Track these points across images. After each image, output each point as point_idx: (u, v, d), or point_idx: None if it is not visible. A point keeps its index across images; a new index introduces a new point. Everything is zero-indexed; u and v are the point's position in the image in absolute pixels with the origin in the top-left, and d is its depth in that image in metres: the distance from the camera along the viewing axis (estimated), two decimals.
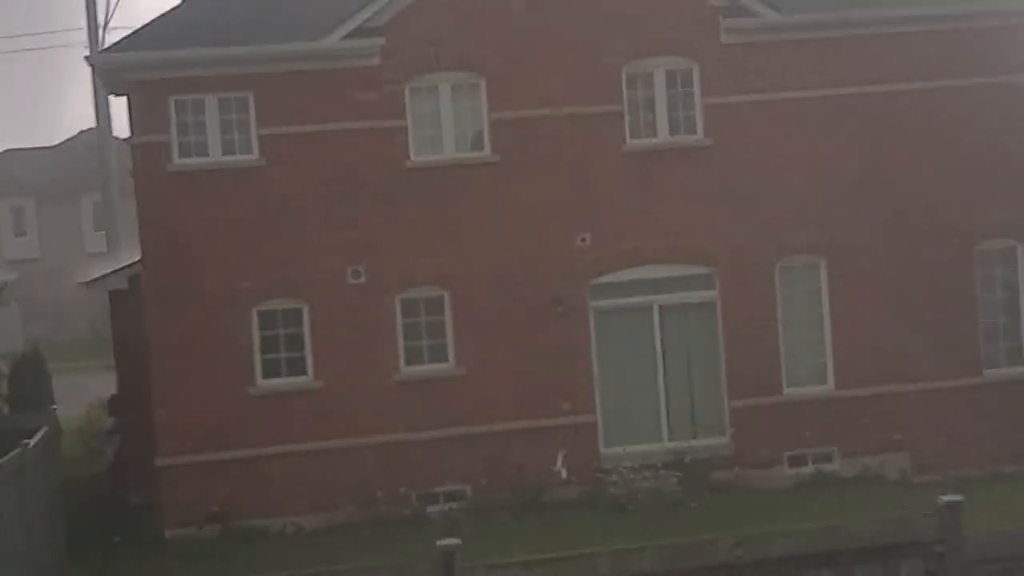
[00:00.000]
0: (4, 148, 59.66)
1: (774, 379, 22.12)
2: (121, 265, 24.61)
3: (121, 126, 29.91)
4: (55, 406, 25.85)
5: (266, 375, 21.27)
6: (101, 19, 35.80)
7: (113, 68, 21.65)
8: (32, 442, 18.02)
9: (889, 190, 22.31)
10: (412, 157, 21.46)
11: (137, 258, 22.22)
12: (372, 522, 20.63)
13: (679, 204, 21.94)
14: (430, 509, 21.04)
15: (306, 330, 21.34)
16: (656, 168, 21.95)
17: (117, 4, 67.07)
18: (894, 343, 22.17)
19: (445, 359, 21.61)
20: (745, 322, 22.04)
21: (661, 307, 22.09)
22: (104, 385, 28.77)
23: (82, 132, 56.62)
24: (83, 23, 35.71)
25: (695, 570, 8.33)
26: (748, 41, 22.01)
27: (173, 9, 22.71)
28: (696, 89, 22.03)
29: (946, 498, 8.61)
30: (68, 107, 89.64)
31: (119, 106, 35.86)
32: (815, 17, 22.12)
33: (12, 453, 16.91)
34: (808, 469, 22.05)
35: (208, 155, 21.16)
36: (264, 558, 19.46)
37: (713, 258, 22.04)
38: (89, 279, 25.19)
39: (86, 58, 24.40)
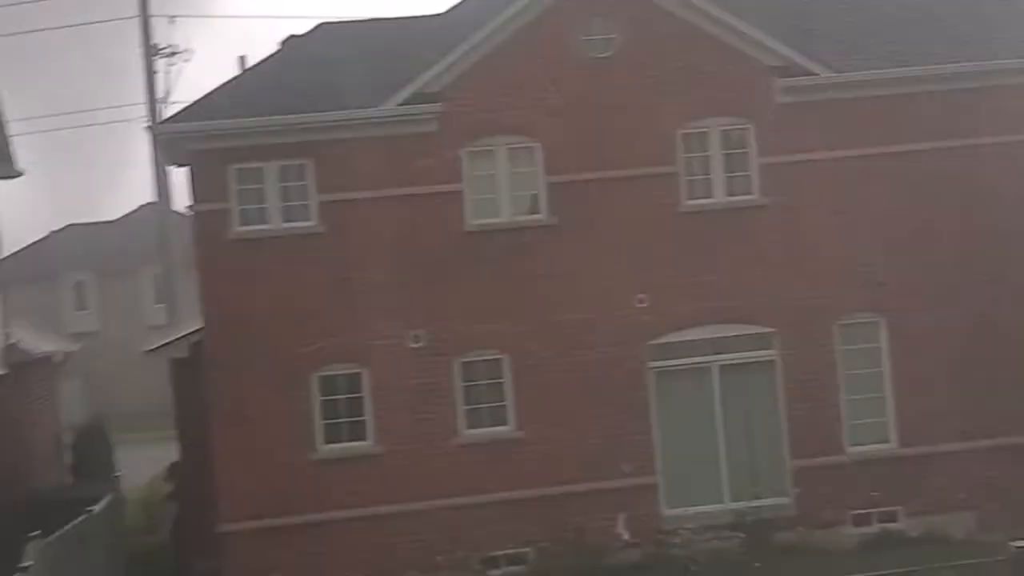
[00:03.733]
0: (66, 224, 60.51)
1: (836, 438, 21.96)
2: (182, 334, 24.82)
3: (181, 198, 30.32)
4: (118, 474, 26.01)
5: (327, 440, 21.34)
6: (160, 93, 36.29)
7: (173, 138, 21.98)
8: (96, 509, 18.18)
9: (949, 247, 22.22)
10: (470, 221, 21.60)
11: (198, 327, 22.43)
12: None
13: (736, 264, 21.93)
14: (492, 573, 20.97)
15: (366, 395, 21.41)
16: (713, 228, 21.97)
17: (177, 78, 67.72)
18: (957, 400, 21.99)
19: (505, 422, 21.60)
20: (805, 381, 21.93)
21: (720, 367, 22.02)
22: (166, 455, 28.94)
23: (141, 207, 57.37)
24: (142, 99, 36.24)
25: None
26: (803, 100, 22.07)
27: (232, 80, 23.09)
28: (752, 149, 22.08)
29: (1018, 544, 8.50)
30: (127, 183, 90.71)
31: (179, 178, 36.16)
32: (869, 75, 22.16)
33: (77, 520, 17.07)
34: (873, 529, 21.81)
35: (268, 222, 21.38)
36: None
37: (772, 317, 21.97)
38: (151, 348, 25.41)
39: (147, 128, 24.80)
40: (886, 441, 22.18)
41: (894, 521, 21.91)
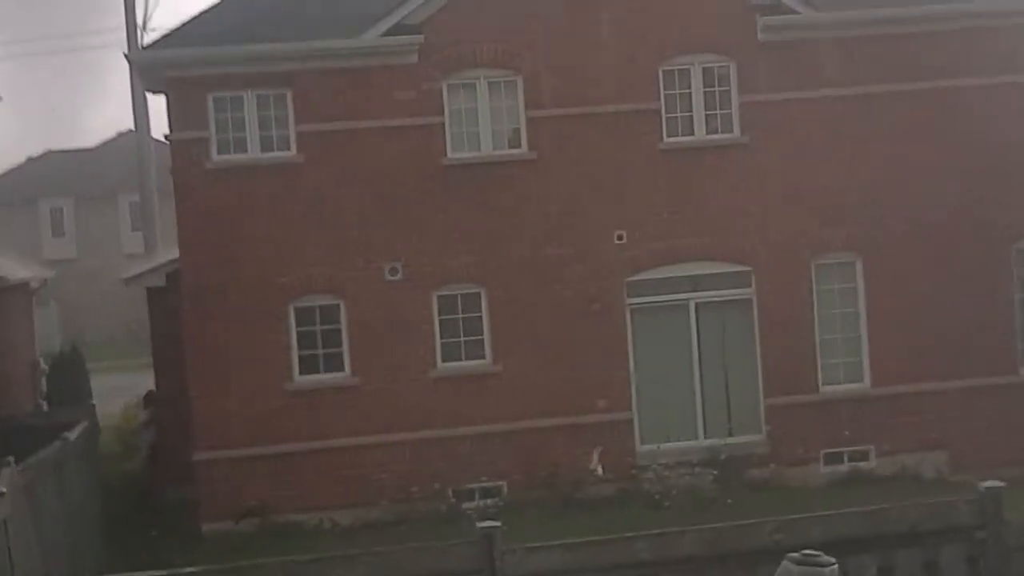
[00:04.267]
0: (43, 150, 60.13)
1: (810, 377, 22.08)
2: (159, 263, 24.79)
3: (159, 126, 30.08)
4: (93, 402, 26.02)
5: (303, 371, 21.37)
6: (140, 19, 35.99)
7: (152, 65, 21.82)
8: (72, 436, 18.16)
9: (927, 187, 22.24)
10: (449, 154, 21.53)
11: (175, 256, 22.38)
12: (407, 518, 20.68)
13: (715, 202, 21.93)
14: (465, 505, 21.06)
15: (343, 326, 21.43)
16: (693, 166, 21.95)
17: (157, 3, 67.29)
18: (931, 341, 22.11)
19: (482, 356, 21.65)
20: (781, 320, 22.01)
21: (697, 304, 22.08)
22: (140, 383, 28.99)
23: (120, 134, 57.05)
24: (122, 24, 35.91)
25: (735, 554, 8.35)
26: (784, 39, 21.98)
27: (212, 7, 22.87)
28: (733, 87, 22.02)
29: (987, 484, 8.60)
30: (106, 110, 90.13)
31: (157, 106, 35.94)
32: (851, 14, 22.08)
33: (53, 446, 17.05)
34: (844, 467, 22.00)
35: (247, 152, 21.28)
36: (300, 553, 19.49)
37: (749, 256, 22.02)
38: (128, 276, 25.37)
39: (125, 55, 24.58)
40: (859, 380, 22.31)
41: (866, 460, 22.11)
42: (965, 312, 22.19)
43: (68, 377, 30.03)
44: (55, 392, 29.67)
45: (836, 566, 7.03)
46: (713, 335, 22.15)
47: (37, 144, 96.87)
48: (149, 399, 25.76)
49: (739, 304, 22.16)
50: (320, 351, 21.41)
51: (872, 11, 22.12)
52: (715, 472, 21.29)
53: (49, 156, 59.51)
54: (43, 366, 30.97)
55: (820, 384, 22.14)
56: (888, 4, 22.27)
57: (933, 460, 22.00)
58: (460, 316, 21.64)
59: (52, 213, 55.93)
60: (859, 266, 22.26)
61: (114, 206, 55.38)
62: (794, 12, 21.92)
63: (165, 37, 22.11)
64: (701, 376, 22.12)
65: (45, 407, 29.29)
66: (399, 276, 21.43)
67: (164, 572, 9.18)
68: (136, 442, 27.57)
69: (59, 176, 56.31)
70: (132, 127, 37.79)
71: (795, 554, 7.12)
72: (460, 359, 21.60)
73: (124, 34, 35.63)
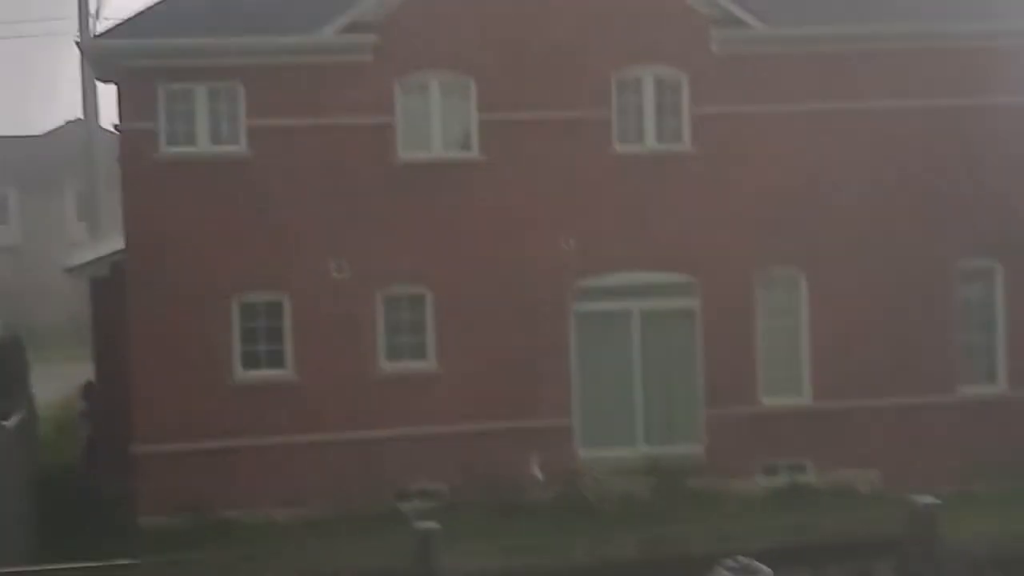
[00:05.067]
0: None
1: (750, 388, 22.23)
2: (104, 253, 24.57)
3: (108, 116, 29.95)
4: (32, 391, 25.76)
5: (245, 366, 21.29)
6: (92, 7, 35.71)
7: (103, 55, 21.67)
8: (8, 425, 18.02)
9: (871, 205, 22.43)
10: (400, 154, 21.52)
11: (120, 247, 22.22)
12: (345, 518, 20.59)
13: (663, 211, 22.04)
14: (405, 506, 21.04)
15: (286, 323, 21.36)
16: (642, 175, 22.04)
17: None
18: (870, 357, 22.30)
19: (424, 357, 21.65)
20: (724, 331, 22.14)
21: (641, 313, 22.17)
22: (80, 374, 28.72)
23: (68, 123, 56.51)
24: (74, 12, 35.64)
25: (671, 561, 8.41)
26: (737, 52, 22.13)
27: None
28: (684, 98, 22.14)
29: (921, 499, 8.69)
30: (55, 97, 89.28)
31: (107, 95, 35.71)
32: (803, 31, 22.27)
33: None
34: (781, 479, 22.15)
35: (196, 145, 21.18)
36: (237, 549, 19.41)
37: (695, 266, 22.13)
38: (73, 265, 25.15)
39: (77, 44, 24.39)
40: (799, 394, 22.48)
41: (803, 473, 22.26)
42: (906, 330, 22.42)
43: (7, 366, 29.68)
44: None
45: (771, 573, 7.11)
46: (656, 344, 22.24)
47: None
48: (87, 390, 25.56)
49: (683, 314, 22.27)
50: (262, 347, 21.32)
51: (824, 28, 22.30)
52: (654, 480, 21.38)
53: None
54: None
55: (760, 396, 22.29)
56: (839, 22, 22.45)
57: (870, 475, 22.18)
58: (405, 317, 21.62)
59: None
60: (802, 281, 22.44)
61: (60, 195, 54.86)
62: (748, 27, 22.06)
63: (118, 27, 21.94)
64: (643, 384, 22.21)
65: None
66: (345, 274, 21.39)
67: (96, 563, 9.13)
68: (74, 433, 27.31)
69: (4, 163, 55.70)
70: (80, 115, 37.49)
71: (729, 561, 7.20)
72: (403, 359, 21.59)
73: (76, 22, 35.36)
